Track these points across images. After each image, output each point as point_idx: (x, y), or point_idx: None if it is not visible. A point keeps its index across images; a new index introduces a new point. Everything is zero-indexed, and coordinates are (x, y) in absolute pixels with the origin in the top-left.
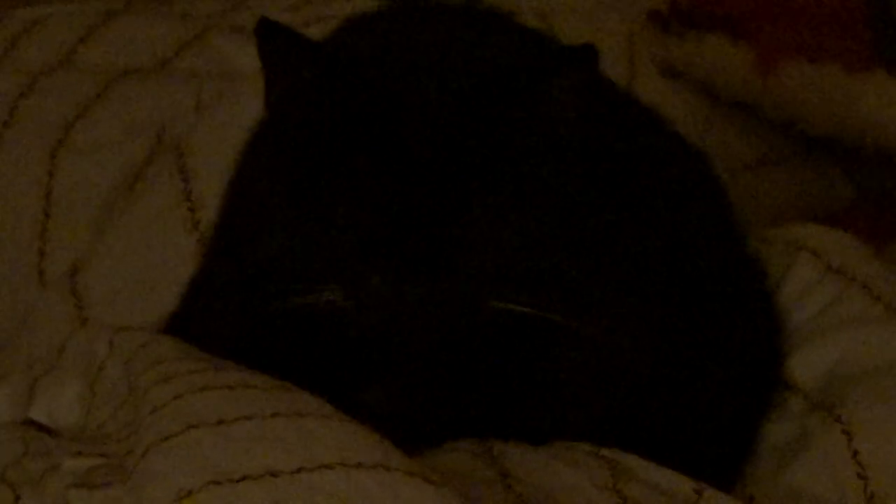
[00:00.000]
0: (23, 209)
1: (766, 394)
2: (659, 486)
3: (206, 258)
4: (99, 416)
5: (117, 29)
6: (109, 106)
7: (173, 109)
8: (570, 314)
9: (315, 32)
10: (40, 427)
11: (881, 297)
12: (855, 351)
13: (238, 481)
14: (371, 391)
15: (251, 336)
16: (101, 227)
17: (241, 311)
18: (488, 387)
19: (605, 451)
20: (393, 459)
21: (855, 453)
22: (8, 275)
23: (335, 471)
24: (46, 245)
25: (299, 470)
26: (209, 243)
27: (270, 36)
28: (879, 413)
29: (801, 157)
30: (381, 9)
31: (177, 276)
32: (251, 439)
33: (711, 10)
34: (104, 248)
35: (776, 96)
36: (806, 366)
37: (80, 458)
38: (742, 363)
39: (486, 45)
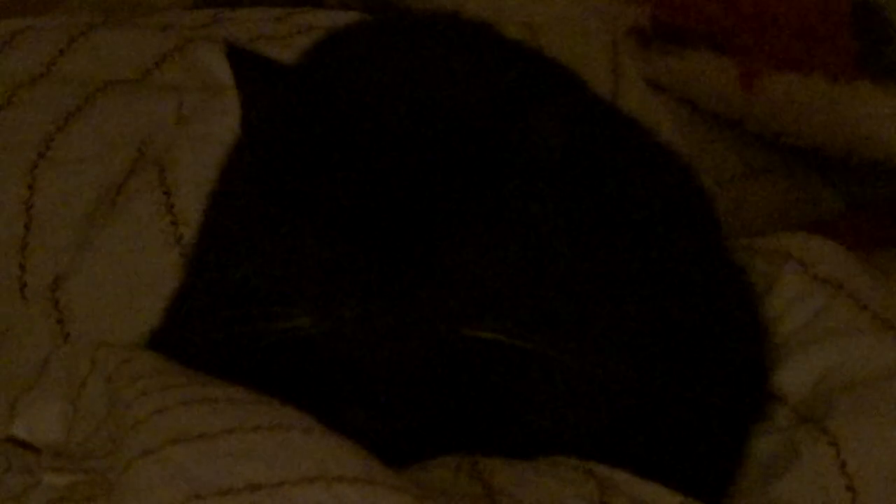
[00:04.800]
0: (3, 222)
1: (753, 406)
2: (646, 501)
3: (187, 274)
4: (81, 433)
5: (98, 41)
6: (90, 118)
7: (155, 122)
8: (543, 341)
9: (300, 43)
10: (22, 444)
11: (868, 307)
12: (842, 362)
13: (220, 495)
14: (350, 410)
15: (230, 354)
16: (83, 241)
17: (218, 330)
18: (466, 408)
19: (591, 466)
20: (375, 473)
21: (843, 465)
22: None
23: (317, 484)
24: (27, 259)
25: (281, 483)
26: (190, 259)
27: (241, 62)
28: (867, 424)
29: (786, 167)
30: (362, 22)
31: (159, 291)
32: (233, 453)
33: (694, 26)
34: (86, 262)
35: (761, 110)
36: (793, 377)
37: (62, 473)
38: (728, 375)
39: (469, 63)
